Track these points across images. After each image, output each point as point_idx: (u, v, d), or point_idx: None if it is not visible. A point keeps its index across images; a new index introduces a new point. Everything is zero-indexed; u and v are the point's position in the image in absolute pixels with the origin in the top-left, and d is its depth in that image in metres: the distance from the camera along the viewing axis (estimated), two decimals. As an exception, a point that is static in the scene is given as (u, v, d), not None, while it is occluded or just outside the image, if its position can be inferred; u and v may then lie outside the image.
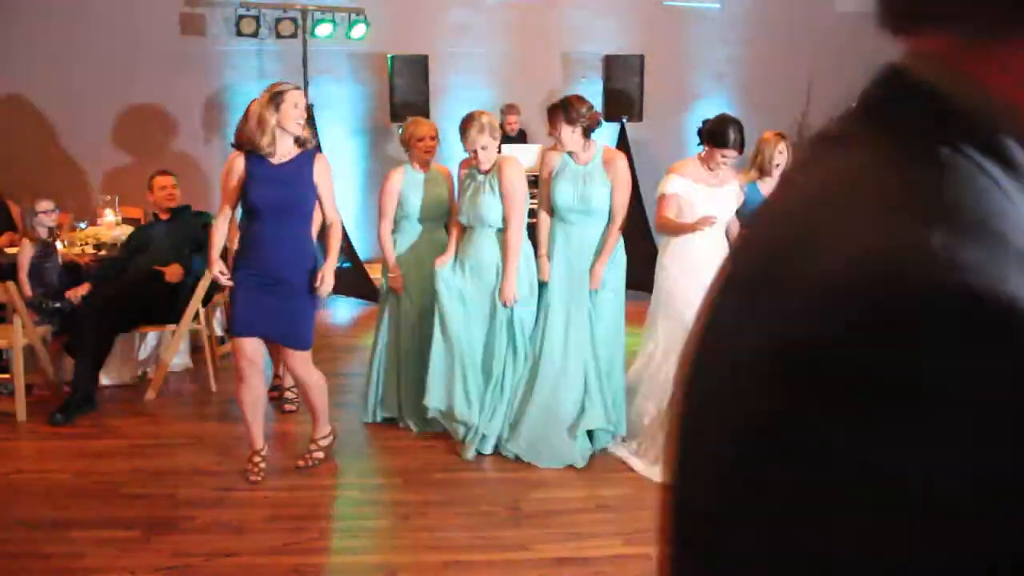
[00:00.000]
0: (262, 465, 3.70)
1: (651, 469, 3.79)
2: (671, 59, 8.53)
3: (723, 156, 3.80)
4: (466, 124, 3.92)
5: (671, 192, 3.86)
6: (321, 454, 3.84)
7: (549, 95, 8.43)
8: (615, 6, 8.48)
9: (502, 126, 7.82)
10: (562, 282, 3.97)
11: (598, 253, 3.95)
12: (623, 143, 7.78)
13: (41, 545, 3.16)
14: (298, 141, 3.57)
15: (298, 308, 3.60)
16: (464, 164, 4.13)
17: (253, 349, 3.60)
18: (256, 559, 3.09)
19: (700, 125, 3.97)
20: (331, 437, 3.91)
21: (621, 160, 3.98)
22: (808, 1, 8.65)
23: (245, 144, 3.54)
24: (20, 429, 4.33)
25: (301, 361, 3.66)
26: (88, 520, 3.35)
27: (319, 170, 3.83)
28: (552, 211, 4.04)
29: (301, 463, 3.78)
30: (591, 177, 3.91)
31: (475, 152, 3.90)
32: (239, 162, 3.55)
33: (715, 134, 3.81)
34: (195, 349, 5.43)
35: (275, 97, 3.48)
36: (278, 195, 3.52)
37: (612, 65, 7.81)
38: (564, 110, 3.81)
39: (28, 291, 4.81)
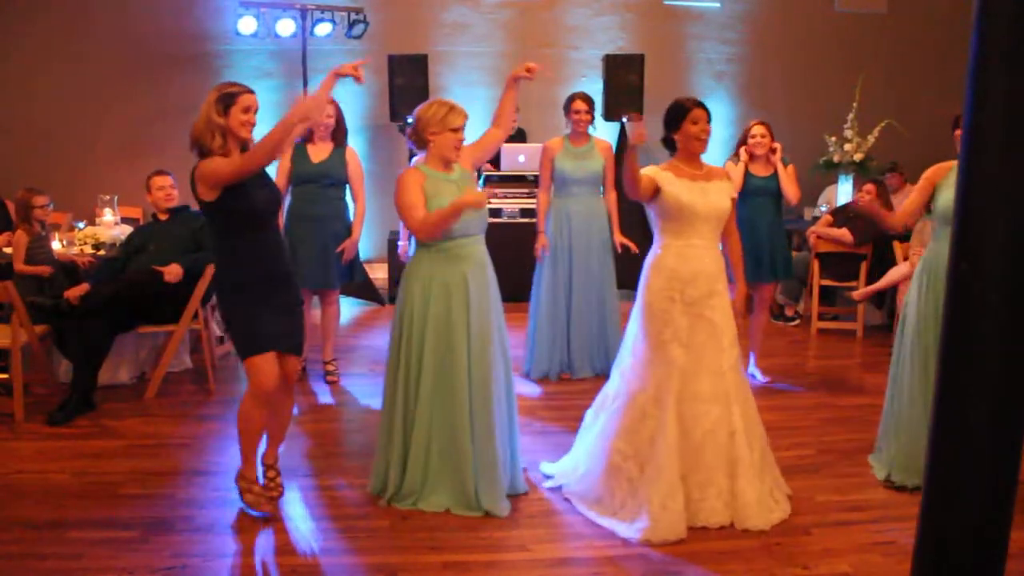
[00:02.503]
0: (279, 480, 3.55)
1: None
2: (671, 58, 8.53)
3: (693, 123, 3.40)
4: (437, 117, 3.39)
5: (650, 174, 3.40)
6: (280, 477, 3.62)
7: (548, 94, 8.44)
8: (615, 5, 8.48)
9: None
10: (578, 253, 4.91)
11: (610, 223, 5.14)
12: (623, 142, 7.78)
13: (39, 545, 3.15)
14: (244, 148, 3.28)
15: (301, 309, 3.46)
16: (413, 172, 3.43)
17: (278, 365, 3.32)
18: (255, 559, 3.09)
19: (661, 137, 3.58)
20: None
21: (608, 143, 5.18)
22: (807, 1, 8.65)
23: (193, 141, 3.21)
24: (19, 429, 4.33)
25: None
26: (86, 520, 3.35)
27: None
28: (559, 190, 5.06)
29: (276, 494, 3.53)
30: (587, 155, 5.06)
31: (454, 150, 3.42)
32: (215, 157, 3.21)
33: (673, 112, 3.45)
34: (194, 350, 5.43)
35: (223, 99, 3.18)
36: (270, 198, 3.33)
37: (612, 64, 7.79)
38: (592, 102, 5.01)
39: (37, 268, 4.99)
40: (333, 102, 4.86)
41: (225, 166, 3.13)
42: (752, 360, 5.17)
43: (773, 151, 5.01)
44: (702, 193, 3.41)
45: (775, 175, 5.00)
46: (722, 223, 3.50)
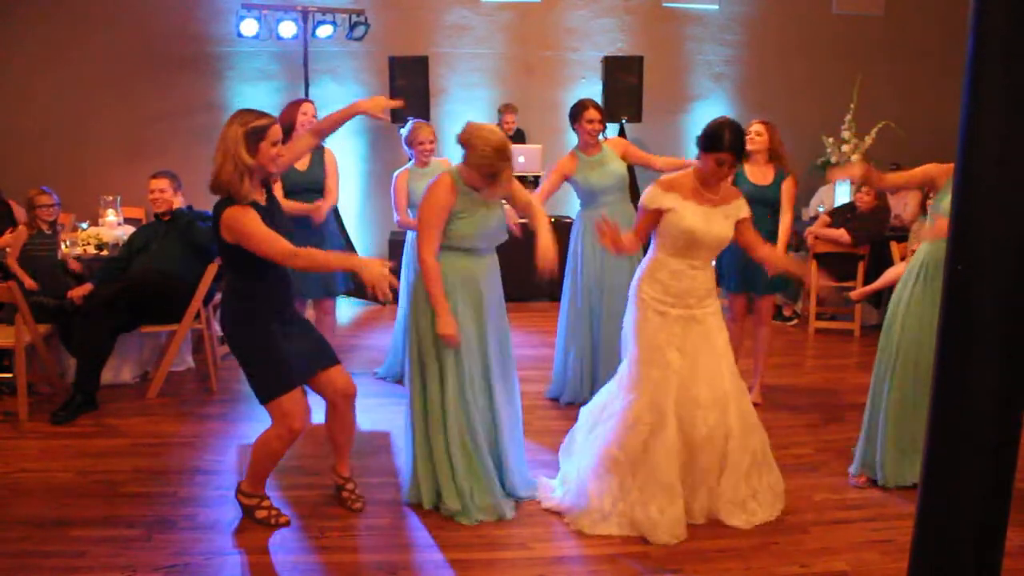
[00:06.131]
0: (275, 505, 3.42)
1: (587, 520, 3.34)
2: (670, 60, 8.56)
3: (718, 161, 3.28)
4: (502, 162, 3.25)
5: (652, 207, 3.34)
6: (360, 489, 3.55)
7: (548, 96, 8.47)
8: (614, 7, 8.50)
9: (500, 126, 7.87)
10: (609, 270, 4.61)
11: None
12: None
13: (42, 543, 3.17)
14: (264, 182, 3.12)
15: (309, 323, 3.41)
16: (447, 188, 3.33)
17: (307, 399, 3.23)
18: (257, 558, 3.11)
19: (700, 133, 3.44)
20: None
21: (619, 139, 4.88)
22: (805, 3, 8.68)
23: (221, 189, 2.96)
24: (22, 428, 4.35)
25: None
26: (89, 519, 3.37)
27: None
28: (588, 202, 4.73)
29: (359, 505, 3.47)
30: (606, 160, 4.68)
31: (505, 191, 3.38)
32: (255, 214, 2.98)
33: (709, 137, 3.30)
34: (196, 349, 5.45)
35: (251, 136, 2.94)
36: (285, 233, 3.07)
37: (611, 66, 7.83)
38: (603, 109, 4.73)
39: (26, 277, 4.91)
40: (310, 102, 4.78)
41: (256, 237, 2.93)
42: (755, 380, 4.82)
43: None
44: (705, 220, 3.31)
45: (774, 184, 4.67)
46: (722, 248, 3.43)
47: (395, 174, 4.99)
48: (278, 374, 3.11)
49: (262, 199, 3.09)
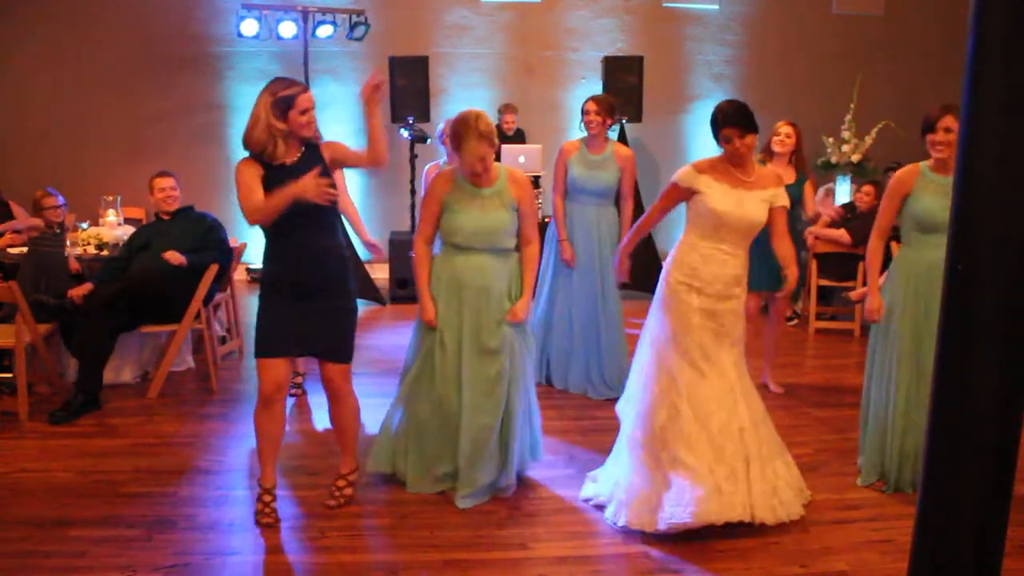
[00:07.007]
0: (274, 505, 3.36)
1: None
2: (670, 60, 8.57)
3: (725, 138, 3.31)
4: (461, 131, 3.37)
5: (684, 186, 3.38)
6: (350, 490, 3.53)
7: (548, 96, 8.47)
8: (614, 7, 8.51)
9: (499, 126, 7.87)
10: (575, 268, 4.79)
11: (618, 239, 4.73)
12: (622, 143, 7.80)
13: (43, 543, 3.17)
14: (306, 143, 3.24)
15: (344, 316, 3.34)
16: (443, 177, 3.56)
17: (285, 373, 3.28)
18: (257, 558, 3.11)
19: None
20: (356, 471, 3.60)
21: (629, 152, 4.86)
22: (805, 3, 8.69)
23: (254, 148, 3.15)
24: (23, 428, 4.35)
25: (346, 376, 3.38)
26: (89, 519, 3.37)
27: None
28: (569, 193, 4.83)
29: (332, 502, 3.47)
30: (603, 165, 4.77)
31: (476, 163, 3.40)
32: (254, 170, 3.15)
33: (711, 125, 3.38)
34: (196, 349, 5.45)
35: (280, 104, 3.10)
36: (309, 209, 3.12)
37: (611, 66, 7.83)
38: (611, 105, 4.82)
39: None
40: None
41: (240, 186, 3.14)
42: (766, 371, 5.06)
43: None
44: (737, 203, 3.33)
45: (795, 184, 4.78)
46: (754, 232, 3.42)
47: (426, 167, 5.14)
48: (259, 338, 3.29)
49: (291, 159, 3.20)
